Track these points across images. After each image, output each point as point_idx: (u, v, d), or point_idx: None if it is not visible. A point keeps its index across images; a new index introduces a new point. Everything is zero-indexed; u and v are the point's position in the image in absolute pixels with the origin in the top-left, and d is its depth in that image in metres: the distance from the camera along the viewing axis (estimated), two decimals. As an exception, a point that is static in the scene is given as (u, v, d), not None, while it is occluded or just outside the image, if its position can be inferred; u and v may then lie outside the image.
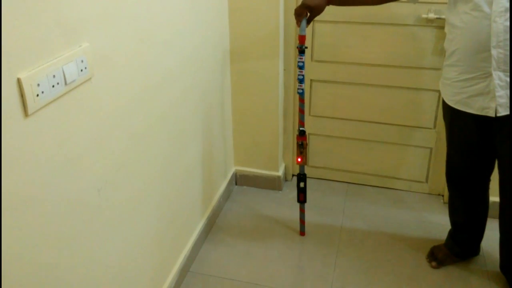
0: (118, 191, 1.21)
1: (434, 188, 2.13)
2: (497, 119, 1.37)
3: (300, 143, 1.69)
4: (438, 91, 1.87)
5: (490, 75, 1.31)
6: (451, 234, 1.75)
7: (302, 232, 1.88)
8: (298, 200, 1.81)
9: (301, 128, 1.69)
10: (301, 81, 1.63)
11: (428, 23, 1.83)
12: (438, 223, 1.92)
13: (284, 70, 2.02)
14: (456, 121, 1.50)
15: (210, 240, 1.89)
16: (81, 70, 0.98)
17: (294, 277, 1.69)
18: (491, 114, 1.36)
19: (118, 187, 1.21)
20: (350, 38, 1.94)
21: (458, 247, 1.73)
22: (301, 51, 1.59)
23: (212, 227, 1.96)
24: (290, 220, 1.97)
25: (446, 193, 1.99)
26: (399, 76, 1.96)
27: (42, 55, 0.88)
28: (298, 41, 1.59)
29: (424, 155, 2.09)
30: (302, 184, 1.76)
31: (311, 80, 2.07)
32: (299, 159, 1.72)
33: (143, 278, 1.42)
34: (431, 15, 1.80)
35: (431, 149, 2.06)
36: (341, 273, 1.71)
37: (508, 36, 1.26)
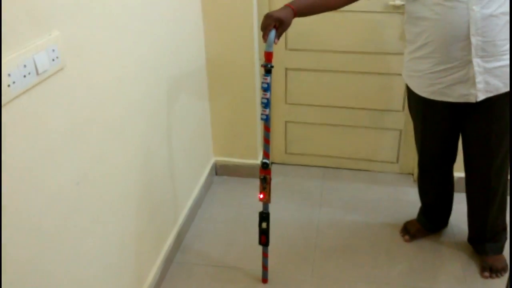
0: (97, 184, 1.20)
1: (404, 168, 2.24)
2: (472, 104, 1.42)
3: (262, 177, 1.45)
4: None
5: (469, 62, 1.35)
6: (422, 211, 1.84)
7: (264, 279, 1.64)
8: (260, 243, 1.56)
9: (264, 160, 1.44)
10: (265, 105, 1.36)
11: (395, 9, 1.91)
12: (410, 200, 2.03)
13: (260, 59, 2.06)
14: (429, 111, 1.54)
15: (193, 230, 1.92)
16: (53, 60, 0.96)
17: (277, 260, 1.74)
18: (472, 100, 1.40)
19: (98, 180, 1.20)
20: (321, 26, 2.00)
21: (429, 222, 1.83)
22: (267, 70, 1.34)
23: (194, 217, 1.99)
24: (270, 206, 2.03)
25: (415, 172, 2.10)
26: (369, 62, 2.03)
27: (11, 44, 0.85)
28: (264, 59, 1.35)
29: (394, 137, 2.18)
30: (264, 225, 1.53)
31: (286, 68, 2.12)
32: (261, 196, 1.48)
33: (128, 270, 1.42)
34: (398, 2, 1.88)
35: (400, 131, 2.16)
36: (321, 252, 1.79)
37: (485, 23, 1.30)
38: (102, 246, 1.26)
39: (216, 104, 2.12)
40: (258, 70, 2.06)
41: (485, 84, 1.37)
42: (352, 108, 2.15)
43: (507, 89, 1.40)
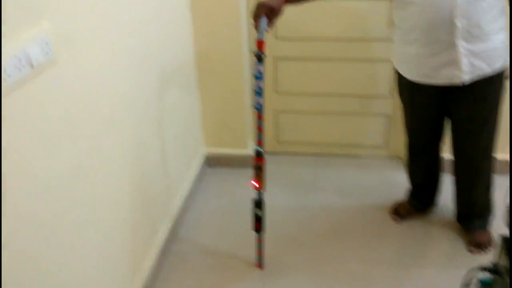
0: (92, 176, 1.21)
1: (393, 152, 2.29)
2: (458, 86, 1.45)
3: (256, 165, 1.47)
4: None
5: (454, 45, 1.38)
6: (411, 191, 1.89)
7: (259, 263, 1.66)
8: (254, 229, 1.58)
9: (257, 149, 1.45)
10: (258, 94, 1.38)
11: (382, -5, 1.94)
12: (399, 183, 2.07)
13: (250, 49, 2.06)
14: (418, 94, 1.57)
15: (187, 220, 1.94)
16: (46, 53, 0.97)
17: (272, 245, 1.77)
18: (457, 81, 1.43)
19: (92, 172, 1.21)
20: (310, 15, 2.02)
21: (418, 202, 1.89)
22: (259, 58, 1.34)
23: (188, 208, 2.00)
24: (264, 195, 2.06)
25: (404, 155, 2.14)
26: (357, 48, 2.06)
27: (5, 38, 0.86)
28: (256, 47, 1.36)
29: (382, 122, 2.23)
30: (258, 211, 1.54)
31: (275, 58, 2.13)
32: (255, 183, 1.50)
33: (124, 262, 1.44)
34: (383, -12, 1.91)
35: (388, 116, 2.21)
36: (315, 237, 1.83)
37: (470, 5, 1.33)
38: (97, 238, 1.27)
39: (206, 95, 2.13)
40: (247, 60, 2.07)
41: (470, 66, 1.41)
42: (341, 95, 2.19)
43: (492, 70, 1.44)
